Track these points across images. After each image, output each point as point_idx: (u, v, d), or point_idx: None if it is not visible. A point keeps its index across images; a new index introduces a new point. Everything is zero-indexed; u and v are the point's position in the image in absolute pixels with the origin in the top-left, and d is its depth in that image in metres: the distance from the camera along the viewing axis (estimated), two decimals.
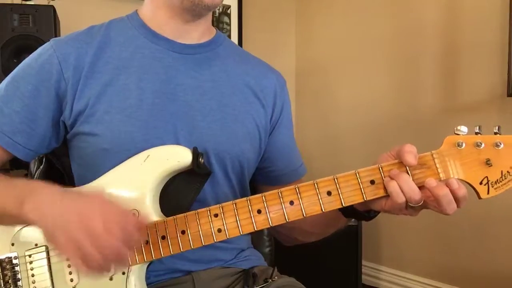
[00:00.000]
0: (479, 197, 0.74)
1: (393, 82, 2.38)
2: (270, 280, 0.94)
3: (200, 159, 0.82)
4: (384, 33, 2.41)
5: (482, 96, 2.06)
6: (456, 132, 0.75)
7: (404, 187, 0.72)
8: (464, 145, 0.74)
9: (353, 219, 0.86)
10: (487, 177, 0.73)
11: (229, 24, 2.59)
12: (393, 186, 0.73)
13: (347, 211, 0.83)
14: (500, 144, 0.73)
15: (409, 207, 0.74)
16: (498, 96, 2.00)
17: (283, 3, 2.85)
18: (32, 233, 0.81)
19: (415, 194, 0.72)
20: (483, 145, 0.73)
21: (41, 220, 0.73)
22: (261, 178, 1.03)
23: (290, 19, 2.88)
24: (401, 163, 0.75)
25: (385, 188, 0.74)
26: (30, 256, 0.80)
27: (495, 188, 0.73)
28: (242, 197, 0.94)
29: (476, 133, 0.75)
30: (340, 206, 0.76)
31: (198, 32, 0.94)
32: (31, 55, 0.90)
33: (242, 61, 1.00)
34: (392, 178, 0.74)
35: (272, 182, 1.03)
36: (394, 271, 2.42)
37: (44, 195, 0.74)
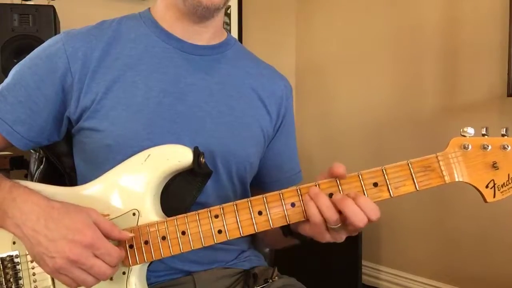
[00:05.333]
0: (485, 201, 0.73)
1: (393, 82, 2.38)
2: (271, 281, 0.94)
3: (201, 159, 0.81)
4: (384, 33, 2.41)
5: (482, 96, 2.06)
6: (462, 134, 0.73)
7: (322, 208, 0.71)
8: (470, 147, 0.72)
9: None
10: (493, 180, 0.72)
11: (229, 24, 2.59)
12: (311, 207, 0.72)
13: (287, 229, 0.83)
14: (508, 146, 0.71)
15: (331, 230, 0.73)
16: (498, 96, 2.00)
17: (283, 3, 2.85)
18: None
19: (332, 214, 0.71)
20: (490, 147, 0.72)
21: (23, 238, 0.75)
22: (253, 182, 1.02)
23: (290, 19, 2.88)
24: (406, 164, 0.73)
25: (389, 190, 0.73)
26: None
27: (501, 192, 0.72)
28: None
29: (483, 135, 0.73)
30: None
31: (209, 34, 0.94)
32: (41, 46, 0.90)
33: (251, 66, 1.00)
34: (311, 199, 0.73)
35: (264, 187, 1.02)
36: (394, 271, 2.42)
37: (27, 210, 0.74)
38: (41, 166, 1.07)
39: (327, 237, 0.74)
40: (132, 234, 0.77)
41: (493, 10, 2.00)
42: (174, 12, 0.91)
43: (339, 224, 0.72)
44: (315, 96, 2.76)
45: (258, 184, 1.02)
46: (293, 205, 0.76)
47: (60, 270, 0.72)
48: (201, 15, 0.89)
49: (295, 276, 1.00)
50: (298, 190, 0.76)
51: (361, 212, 0.70)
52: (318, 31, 2.77)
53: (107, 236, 0.75)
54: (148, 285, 0.82)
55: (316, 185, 0.75)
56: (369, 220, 0.71)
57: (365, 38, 2.50)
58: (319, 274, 2.11)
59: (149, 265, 0.81)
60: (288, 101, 1.03)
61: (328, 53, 2.71)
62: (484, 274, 2.08)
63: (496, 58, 1.99)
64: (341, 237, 0.75)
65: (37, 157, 1.09)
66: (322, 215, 0.71)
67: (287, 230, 0.83)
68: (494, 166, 0.72)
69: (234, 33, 2.59)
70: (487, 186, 0.72)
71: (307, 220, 0.74)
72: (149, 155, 0.81)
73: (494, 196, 0.72)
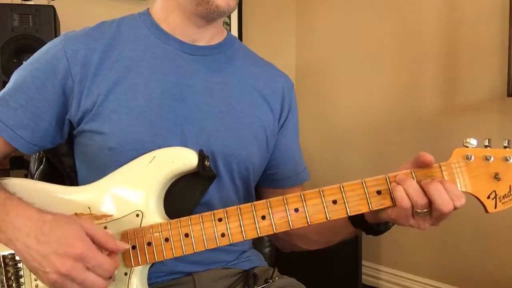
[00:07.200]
0: (486, 211, 0.74)
1: (394, 83, 2.38)
2: (271, 281, 0.94)
3: (206, 162, 0.81)
4: (384, 33, 2.41)
5: (482, 96, 2.06)
6: (465, 145, 0.74)
7: (409, 191, 0.72)
8: (473, 158, 0.74)
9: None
10: (495, 191, 0.73)
11: (229, 24, 2.59)
12: (398, 191, 0.72)
13: (357, 221, 0.82)
14: (510, 158, 0.73)
15: (416, 215, 0.73)
16: (498, 96, 2.00)
17: (283, 3, 2.85)
18: None
19: (420, 198, 0.71)
20: (492, 158, 0.73)
21: (17, 253, 0.74)
22: (263, 180, 1.02)
23: (290, 19, 2.88)
24: (409, 173, 0.74)
25: (391, 199, 0.74)
26: None
27: (502, 203, 0.73)
28: (246, 201, 0.94)
29: (486, 146, 0.74)
30: (345, 215, 0.75)
31: (210, 35, 0.94)
32: (41, 49, 0.90)
33: (252, 64, 1.00)
34: (398, 184, 0.73)
35: (274, 185, 1.02)
36: (394, 271, 2.42)
37: (19, 224, 0.73)
38: (41, 166, 1.08)
39: (411, 222, 0.74)
40: (128, 246, 0.77)
41: (493, 10, 2.00)
42: (178, 15, 0.91)
43: (426, 209, 0.72)
44: (315, 97, 2.75)
45: (267, 182, 1.03)
46: (296, 210, 0.76)
47: (55, 284, 0.70)
48: (212, 18, 0.89)
49: (295, 276, 1.00)
50: (302, 196, 0.76)
51: (447, 195, 0.71)
52: (318, 31, 2.77)
53: (102, 247, 0.73)
54: (148, 285, 0.82)
55: (319, 191, 0.75)
56: (454, 207, 0.71)
57: (365, 39, 2.50)
58: (319, 274, 2.11)
59: (150, 266, 0.81)
60: (290, 97, 1.03)
61: (328, 53, 2.70)
62: (484, 274, 2.08)
63: (496, 58, 1.99)
64: (425, 225, 0.74)
65: (37, 157, 1.09)
66: (410, 199, 0.72)
67: (358, 220, 0.82)
68: (496, 177, 0.73)
69: (234, 33, 2.58)
70: (488, 197, 0.73)
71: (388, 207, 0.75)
72: (154, 157, 0.81)
73: (495, 207, 0.73)
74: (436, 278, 2.26)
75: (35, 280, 0.79)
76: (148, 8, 0.96)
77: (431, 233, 2.30)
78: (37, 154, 1.09)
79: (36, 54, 0.89)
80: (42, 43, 0.92)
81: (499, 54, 1.98)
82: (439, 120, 2.19)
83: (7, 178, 0.84)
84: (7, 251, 0.80)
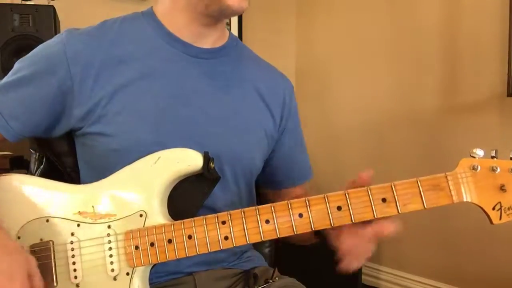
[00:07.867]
0: (491, 222, 0.74)
1: (394, 82, 2.39)
2: (271, 281, 0.94)
3: (211, 164, 0.81)
4: (385, 33, 2.41)
5: (482, 96, 2.06)
6: (471, 155, 0.74)
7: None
8: (479, 168, 0.73)
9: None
10: (500, 202, 0.73)
11: (229, 24, 2.58)
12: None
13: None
14: None
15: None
16: (498, 96, 2.01)
17: (283, 3, 2.85)
18: (38, 228, 0.80)
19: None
20: (498, 169, 0.73)
21: None
22: (263, 182, 1.03)
23: (290, 19, 2.88)
24: (415, 182, 0.75)
25: (396, 207, 0.74)
26: (35, 251, 0.79)
27: (507, 214, 0.73)
28: (248, 204, 0.94)
29: (492, 157, 0.74)
30: (350, 222, 0.75)
31: (215, 37, 0.93)
32: (43, 43, 0.89)
33: (254, 66, 1.00)
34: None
35: (274, 186, 1.03)
36: (394, 271, 2.43)
37: None
38: (41, 166, 1.07)
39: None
40: None
41: (493, 10, 2.00)
42: (185, 15, 0.89)
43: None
44: (315, 97, 2.75)
45: (270, 183, 1.03)
46: (300, 215, 0.75)
47: None
48: (220, 19, 0.89)
49: (295, 276, 1.00)
50: (307, 201, 0.76)
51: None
52: (318, 31, 2.77)
53: None
54: (149, 285, 0.82)
55: (324, 197, 0.76)
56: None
57: (365, 38, 2.50)
58: (319, 274, 2.11)
59: (152, 267, 0.80)
60: (291, 99, 1.03)
61: (328, 53, 2.71)
62: (484, 274, 2.09)
63: (496, 58, 2.00)
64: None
65: (37, 157, 1.09)
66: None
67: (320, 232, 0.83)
68: (502, 188, 0.73)
69: (234, 33, 2.56)
70: (493, 208, 0.73)
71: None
72: (159, 158, 0.81)
73: (500, 218, 0.73)
74: (436, 278, 2.26)
75: None
76: (152, 7, 0.94)
77: (431, 233, 2.30)
78: (37, 154, 1.09)
79: (37, 48, 0.88)
80: (42, 43, 0.92)
81: (499, 54, 1.98)
82: (439, 120, 2.19)
83: (9, 174, 0.84)
84: None
